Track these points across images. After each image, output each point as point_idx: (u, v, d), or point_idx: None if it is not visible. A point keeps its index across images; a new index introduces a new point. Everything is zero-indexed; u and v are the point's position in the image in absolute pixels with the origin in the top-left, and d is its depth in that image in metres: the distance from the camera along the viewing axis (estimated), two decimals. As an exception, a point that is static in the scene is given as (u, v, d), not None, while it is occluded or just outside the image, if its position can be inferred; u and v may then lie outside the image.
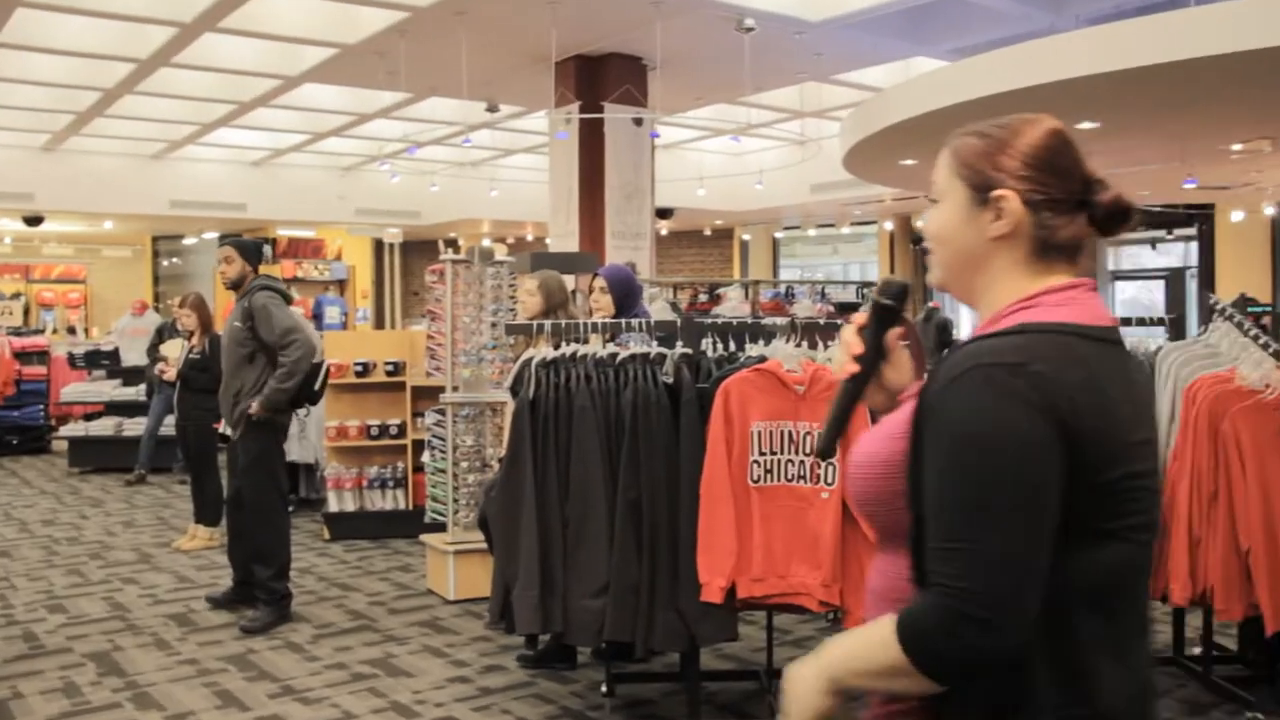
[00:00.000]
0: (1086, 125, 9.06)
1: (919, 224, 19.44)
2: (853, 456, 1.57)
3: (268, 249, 6.72)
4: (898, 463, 1.47)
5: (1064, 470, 1.33)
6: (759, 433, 3.94)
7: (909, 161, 11.57)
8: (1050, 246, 1.49)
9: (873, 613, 1.54)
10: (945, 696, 1.38)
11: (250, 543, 5.97)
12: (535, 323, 4.63)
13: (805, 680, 1.48)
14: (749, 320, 5.12)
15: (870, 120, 10.08)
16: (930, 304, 15.22)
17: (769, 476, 3.96)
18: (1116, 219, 1.50)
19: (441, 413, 6.42)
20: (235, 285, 5.98)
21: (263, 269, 6.18)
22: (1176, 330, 5.02)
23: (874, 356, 1.64)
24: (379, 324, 21.75)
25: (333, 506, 7.93)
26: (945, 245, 1.55)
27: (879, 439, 1.52)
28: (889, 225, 19.96)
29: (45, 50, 11.03)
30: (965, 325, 20.48)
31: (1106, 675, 1.39)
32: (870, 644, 1.42)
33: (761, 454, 3.94)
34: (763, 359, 4.06)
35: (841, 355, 1.65)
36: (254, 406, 5.72)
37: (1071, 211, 1.49)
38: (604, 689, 4.58)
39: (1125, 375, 1.44)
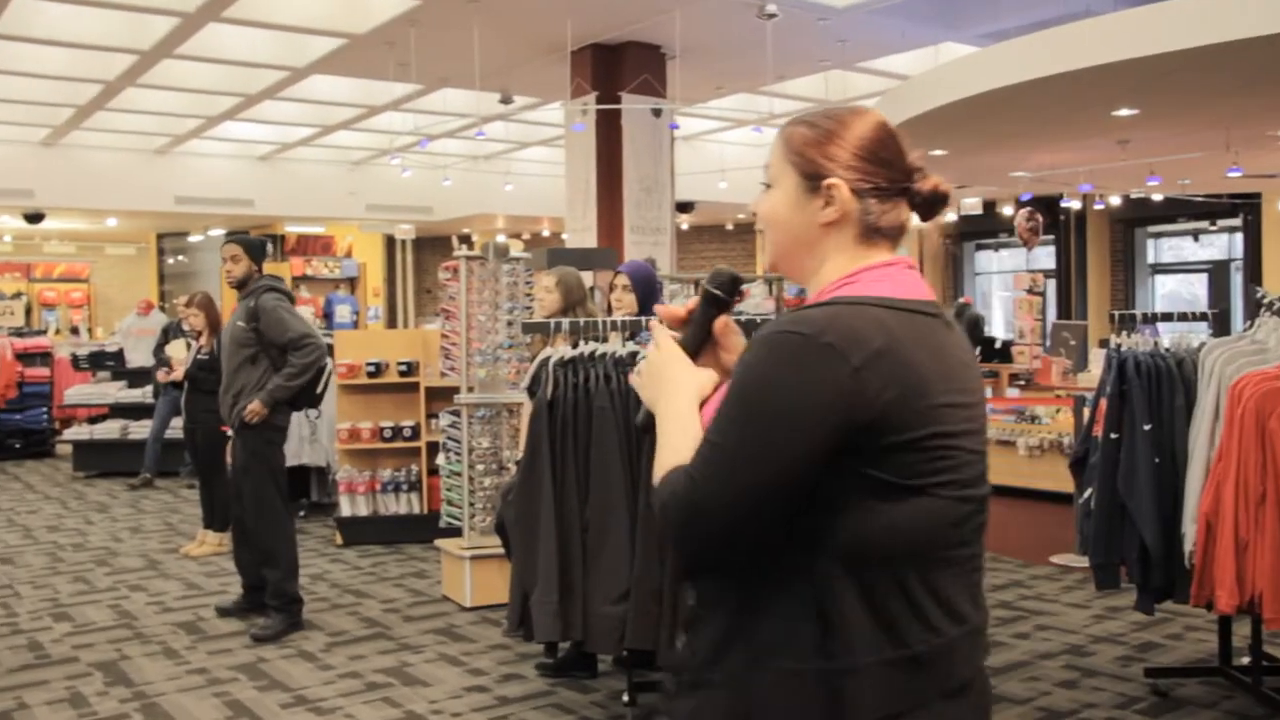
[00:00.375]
0: (1124, 112, 8.85)
1: (950, 216, 19.22)
2: None
3: (270, 246, 6.60)
4: None
5: (839, 435, 1.44)
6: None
7: (939, 152, 11.37)
8: (874, 230, 1.61)
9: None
10: (764, 635, 1.50)
11: (255, 545, 5.84)
12: (553, 321, 4.48)
13: (658, 362, 1.67)
14: (774, 317, 4.94)
15: (897, 109, 9.86)
16: (961, 300, 15.02)
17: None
18: (935, 205, 1.63)
19: (456, 414, 6.27)
20: (240, 284, 5.89)
21: (269, 267, 6.06)
22: (1220, 326, 4.86)
23: (698, 340, 1.71)
24: (391, 323, 21.69)
25: (345, 511, 7.78)
26: (777, 228, 1.66)
27: (709, 410, 1.60)
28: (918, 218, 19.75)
29: (44, 41, 10.93)
30: (998, 321, 20.33)
31: (921, 621, 1.49)
32: (672, 436, 1.58)
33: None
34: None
35: (661, 336, 1.72)
36: (253, 404, 5.61)
37: (895, 198, 1.61)
38: (625, 698, 4.44)
39: (934, 342, 1.54)
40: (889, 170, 1.60)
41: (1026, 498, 8.89)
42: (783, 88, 12.82)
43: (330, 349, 8.07)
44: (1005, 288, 20.35)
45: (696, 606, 1.59)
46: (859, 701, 1.45)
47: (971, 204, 18.01)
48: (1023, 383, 13.30)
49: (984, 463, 1.63)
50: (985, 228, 19.62)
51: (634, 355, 3.95)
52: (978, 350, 13.81)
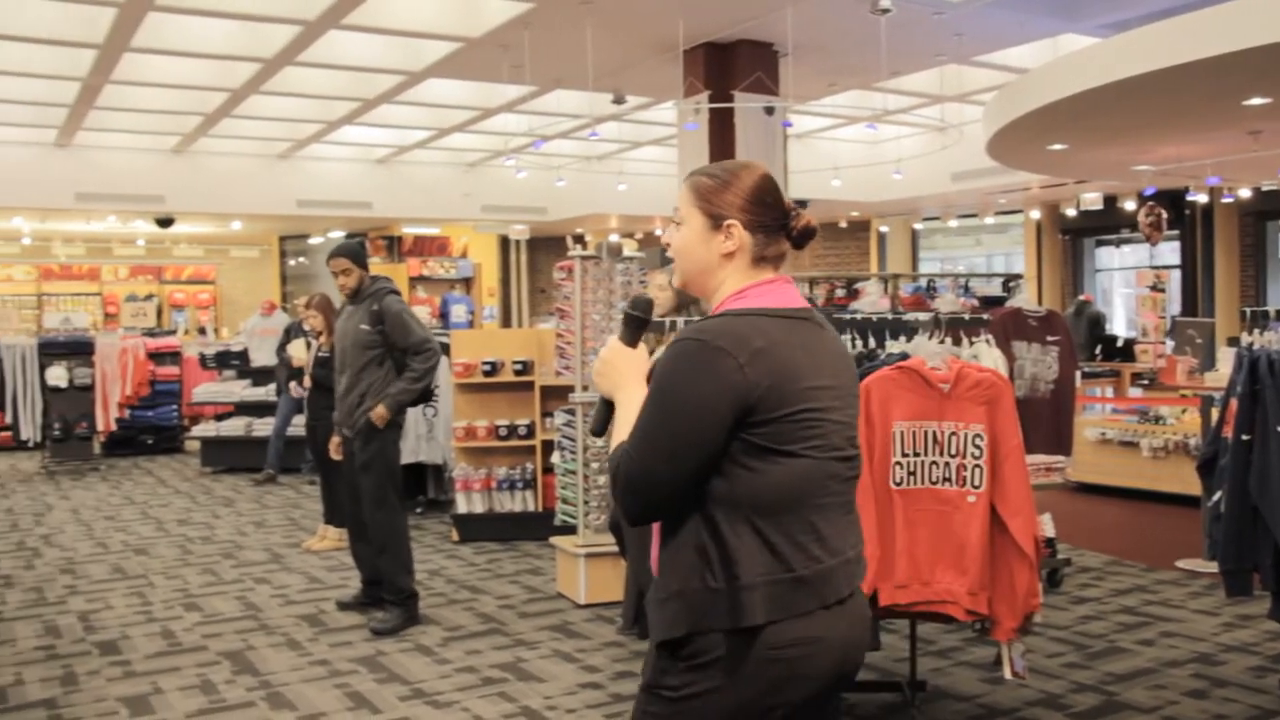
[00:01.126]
0: (1256, 101, 8.52)
1: (1069, 212, 18.75)
2: None
3: (364, 241, 6.69)
4: None
5: (733, 415, 1.94)
6: (901, 433, 3.74)
7: (1058, 146, 11.10)
8: (761, 258, 2.12)
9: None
10: (686, 563, 1.99)
11: (372, 541, 5.95)
12: (667, 319, 4.48)
13: (613, 361, 2.14)
14: (889, 316, 4.87)
15: (1016, 103, 9.66)
16: (1081, 297, 14.64)
17: (912, 479, 3.77)
18: (806, 237, 2.15)
19: (571, 412, 6.32)
20: (355, 294, 5.97)
21: (387, 268, 6.16)
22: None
23: (633, 345, 2.17)
24: (505, 322, 21.91)
25: (461, 508, 7.90)
26: (687, 258, 2.16)
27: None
28: (1036, 214, 19.28)
29: (174, 53, 11.28)
30: (1119, 318, 19.77)
31: (802, 551, 1.98)
32: (626, 423, 2.05)
33: (904, 455, 3.75)
34: (904, 356, 3.84)
35: (611, 342, 2.17)
36: (379, 409, 5.71)
37: (776, 234, 2.13)
38: (739, 699, 4.40)
39: (804, 340, 2.04)
40: (772, 212, 2.11)
41: (1150, 500, 8.66)
42: (897, 84, 12.62)
43: (446, 348, 8.22)
44: (1127, 285, 19.75)
45: (662, 534, 2.06)
46: (754, 609, 1.94)
47: (1092, 199, 17.52)
48: (1146, 382, 12.92)
49: (853, 429, 2.10)
50: (1106, 223, 19.07)
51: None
52: (1098, 349, 13.46)
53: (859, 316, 5.27)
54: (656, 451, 1.95)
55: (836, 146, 17.24)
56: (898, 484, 3.75)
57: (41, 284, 22.44)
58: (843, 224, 22.04)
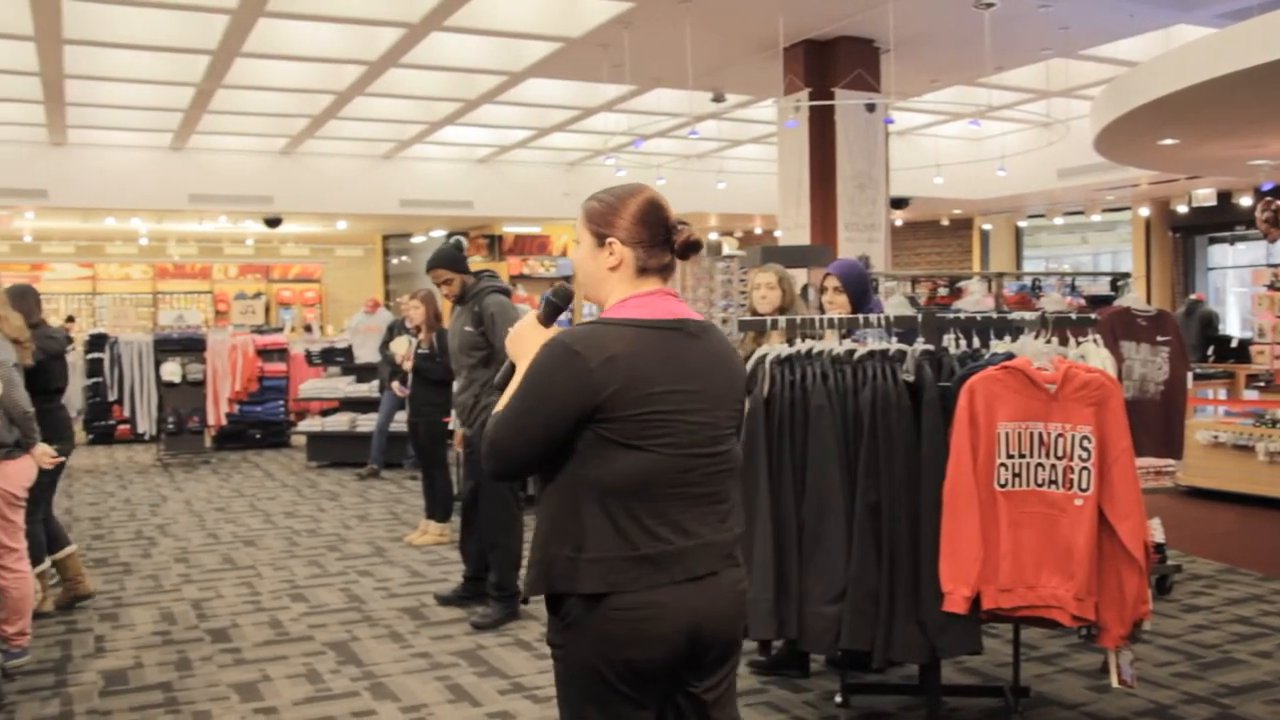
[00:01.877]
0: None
1: (1180, 209, 18.25)
2: None
3: (461, 239, 6.73)
4: None
5: (581, 413, 2.23)
6: (1006, 434, 3.68)
7: (1170, 141, 10.82)
8: (645, 269, 2.39)
9: None
10: (550, 533, 2.30)
11: (484, 538, 6.02)
12: (769, 318, 4.47)
13: (522, 333, 2.46)
14: (994, 315, 4.80)
15: (1126, 97, 9.44)
16: (1193, 296, 14.24)
17: (1017, 481, 3.70)
18: (689, 250, 2.41)
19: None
20: (461, 296, 6.02)
21: (489, 264, 6.20)
22: None
23: (549, 324, 2.49)
24: (604, 319, 21.98)
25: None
26: (581, 272, 2.46)
27: None
28: (1145, 211, 18.82)
29: (283, 57, 11.58)
30: (1232, 318, 19.20)
31: (649, 533, 2.25)
32: (512, 389, 2.35)
33: (1009, 457, 3.69)
34: (1010, 356, 3.78)
35: (529, 317, 2.50)
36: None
37: (659, 248, 2.39)
38: (838, 699, 4.40)
39: (667, 348, 2.31)
40: (652, 230, 2.37)
41: (1266, 506, 8.38)
42: (1001, 79, 12.41)
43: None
44: (1242, 283, 19.18)
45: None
46: (593, 580, 2.24)
47: (1205, 195, 17.04)
48: (1262, 384, 12.51)
49: (720, 429, 2.37)
50: (1219, 220, 18.52)
51: (850, 353, 3.89)
52: (1210, 350, 13.09)
53: (962, 315, 5.21)
54: (513, 427, 2.29)
55: (939, 143, 17.02)
56: (1002, 486, 3.69)
57: (157, 282, 23.19)
58: (945, 222, 21.74)
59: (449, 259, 6.03)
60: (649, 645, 2.26)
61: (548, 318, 2.48)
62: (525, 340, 2.43)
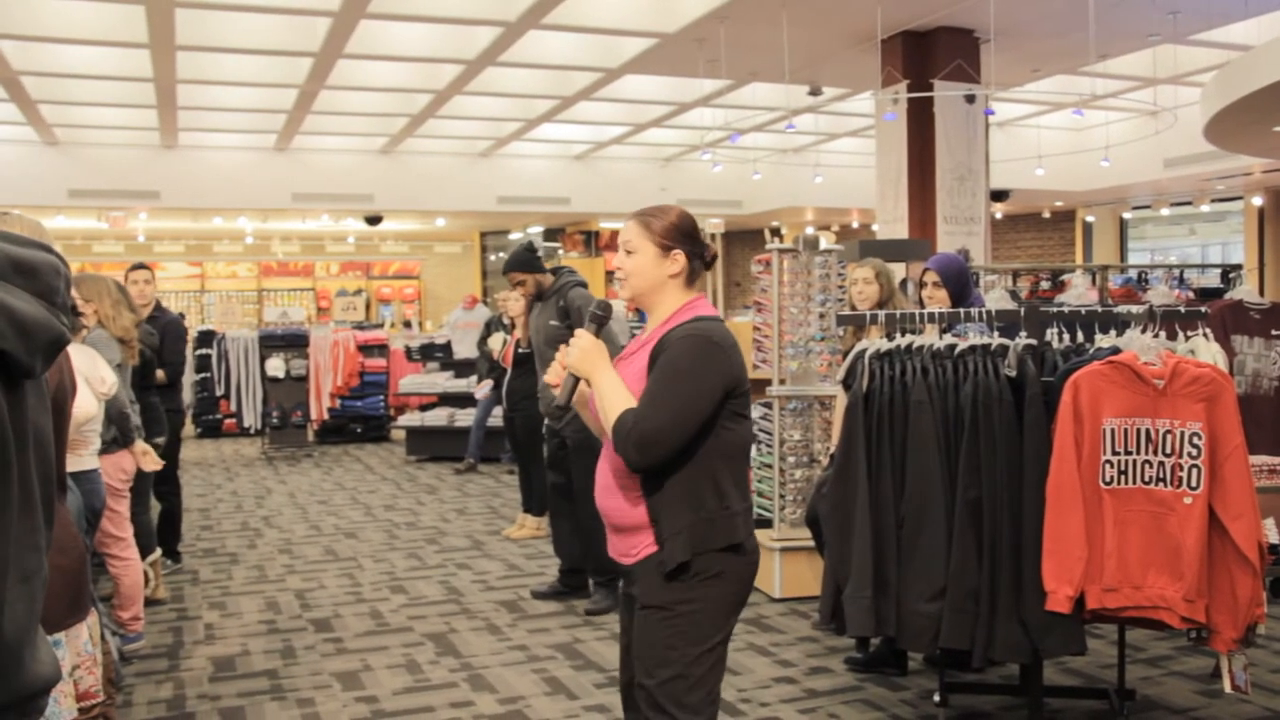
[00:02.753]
0: None
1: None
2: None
3: (538, 240, 6.83)
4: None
5: (725, 393, 2.66)
6: (1112, 430, 3.60)
7: (1281, 128, 10.46)
8: (692, 276, 2.82)
9: (603, 498, 2.81)
10: (688, 501, 2.66)
11: (581, 529, 6.07)
12: (868, 313, 4.43)
13: (590, 350, 2.73)
14: (1099, 309, 4.70)
15: (1238, 83, 9.14)
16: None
17: (1123, 478, 3.62)
18: (712, 262, 2.88)
19: (768, 406, 6.31)
20: (540, 294, 6.14)
21: (583, 263, 6.26)
22: None
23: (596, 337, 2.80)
24: (723, 317, 21.97)
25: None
26: (640, 278, 2.79)
27: (631, 375, 2.74)
28: (1258, 200, 18.21)
29: (383, 57, 11.77)
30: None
31: (741, 490, 2.75)
32: (614, 395, 2.68)
33: (1115, 453, 3.60)
34: (1115, 350, 3.69)
35: (582, 334, 2.78)
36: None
37: (699, 259, 2.83)
38: (937, 698, 4.34)
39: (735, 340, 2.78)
40: (696, 244, 2.81)
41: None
42: (1105, 67, 12.11)
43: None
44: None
45: (650, 489, 2.69)
46: (740, 530, 2.70)
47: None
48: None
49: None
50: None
51: (951, 348, 3.84)
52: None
53: (1066, 309, 5.10)
54: (673, 415, 2.60)
55: (1040, 134, 16.67)
56: (1108, 483, 3.61)
57: (261, 280, 23.74)
58: (1046, 214, 21.31)
59: (521, 262, 6.18)
60: (753, 579, 2.81)
61: (598, 330, 2.79)
62: (591, 353, 2.72)
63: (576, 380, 2.80)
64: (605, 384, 2.69)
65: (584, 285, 6.12)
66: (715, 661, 2.71)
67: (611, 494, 2.76)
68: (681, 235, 2.78)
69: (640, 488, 2.69)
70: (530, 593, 6.38)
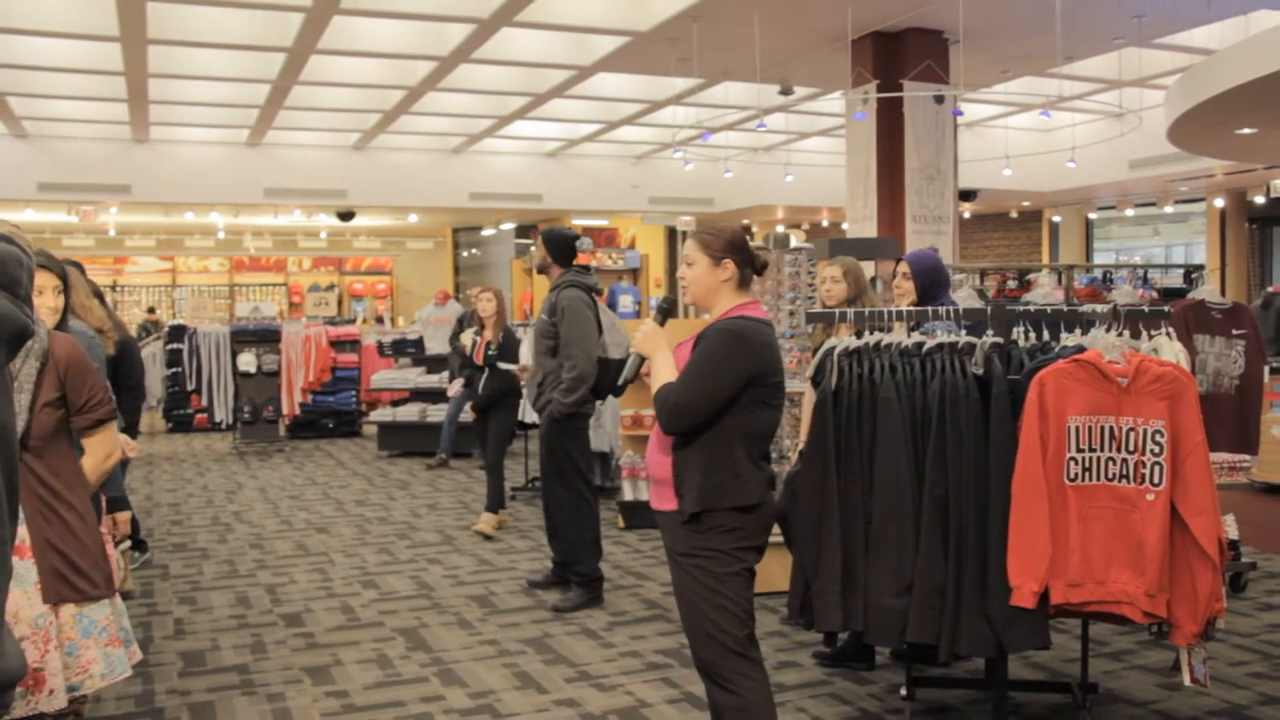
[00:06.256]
0: None
1: (1257, 199, 17.85)
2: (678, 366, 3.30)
3: (584, 242, 6.81)
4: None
5: (748, 380, 3.16)
6: (1076, 428, 3.65)
7: (1247, 130, 10.60)
8: (744, 282, 3.33)
9: (651, 453, 3.40)
10: (707, 466, 3.20)
11: (561, 527, 6.11)
12: (837, 310, 4.47)
13: (652, 334, 3.34)
14: (1065, 308, 4.77)
15: (1202, 86, 9.27)
16: (1270, 289, 13.92)
17: (1087, 475, 3.66)
18: (763, 269, 3.43)
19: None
20: (541, 271, 6.18)
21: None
22: None
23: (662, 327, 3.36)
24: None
25: (627, 495, 8.01)
26: (698, 284, 3.33)
27: (682, 358, 3.28)
28: (1219, 202, 18.44)
29: (356, 53, 11.74)
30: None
31: (757, 469, 3.25)
32: (664, 371, 3.26)
33: (1079, 450, 3.65)
34: (1080, 349, 3.75)
35: (650, 323, 3.38)
36: (554, 406, 5.88)
37: (750, 266, 3.34)
38: (903, 692, 4.40)
39: (773, 337, 3.31)
40: (746, 254, 3.32)
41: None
42: (1072, 69, 12.24)
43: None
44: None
45: (677, 449, 3.23)
46: (753, 492, 3.22)
47: (1284, 186, 16.67)
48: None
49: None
50: (1300, 212, 18.12)
51: (919, 346, 3.88)
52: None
53: (1032, 308, 5.17)
54: (699, 392, 3.14)
55: (1008, 135, 16.82)
56: (1072, 480, 3.66)
57: (233, 275, 23.62)
58: (1014, 214, 21.48)
59: (549, 235, 6.21)
60: (768, 532, 3.35)
61: (663, 320, 3.38)
62: (653, 338, 3.33)
63: (641, 359, 3.39)
64: (660, 362, 3.29)
65: (585, 288, 6.10)
66: (740, 586, 3.28)
67: (654, 450, 3.34)
68: (731, 248, 3.30)
69: (670, 448, 3.25)
70: (527, 580, 6.45)
